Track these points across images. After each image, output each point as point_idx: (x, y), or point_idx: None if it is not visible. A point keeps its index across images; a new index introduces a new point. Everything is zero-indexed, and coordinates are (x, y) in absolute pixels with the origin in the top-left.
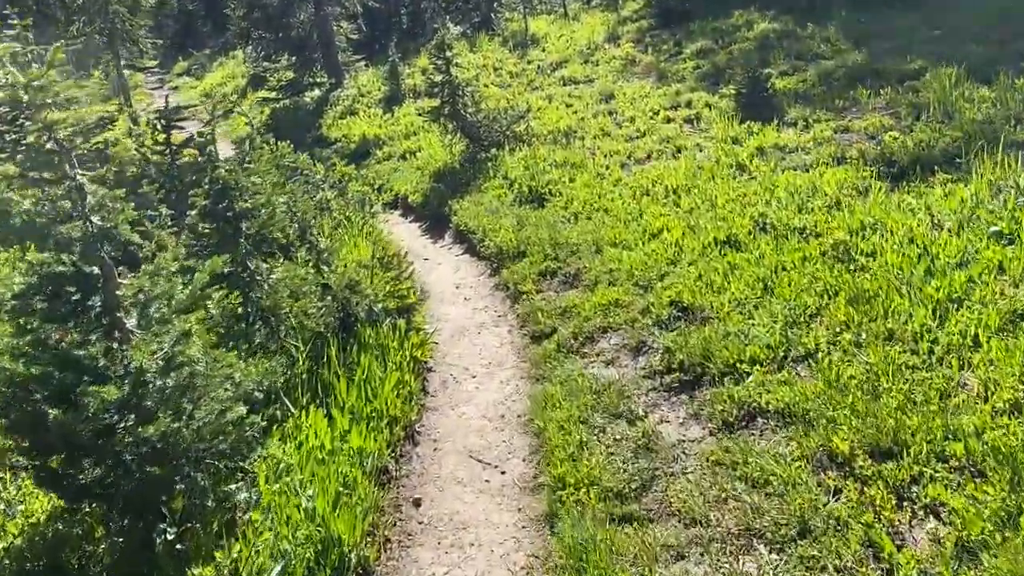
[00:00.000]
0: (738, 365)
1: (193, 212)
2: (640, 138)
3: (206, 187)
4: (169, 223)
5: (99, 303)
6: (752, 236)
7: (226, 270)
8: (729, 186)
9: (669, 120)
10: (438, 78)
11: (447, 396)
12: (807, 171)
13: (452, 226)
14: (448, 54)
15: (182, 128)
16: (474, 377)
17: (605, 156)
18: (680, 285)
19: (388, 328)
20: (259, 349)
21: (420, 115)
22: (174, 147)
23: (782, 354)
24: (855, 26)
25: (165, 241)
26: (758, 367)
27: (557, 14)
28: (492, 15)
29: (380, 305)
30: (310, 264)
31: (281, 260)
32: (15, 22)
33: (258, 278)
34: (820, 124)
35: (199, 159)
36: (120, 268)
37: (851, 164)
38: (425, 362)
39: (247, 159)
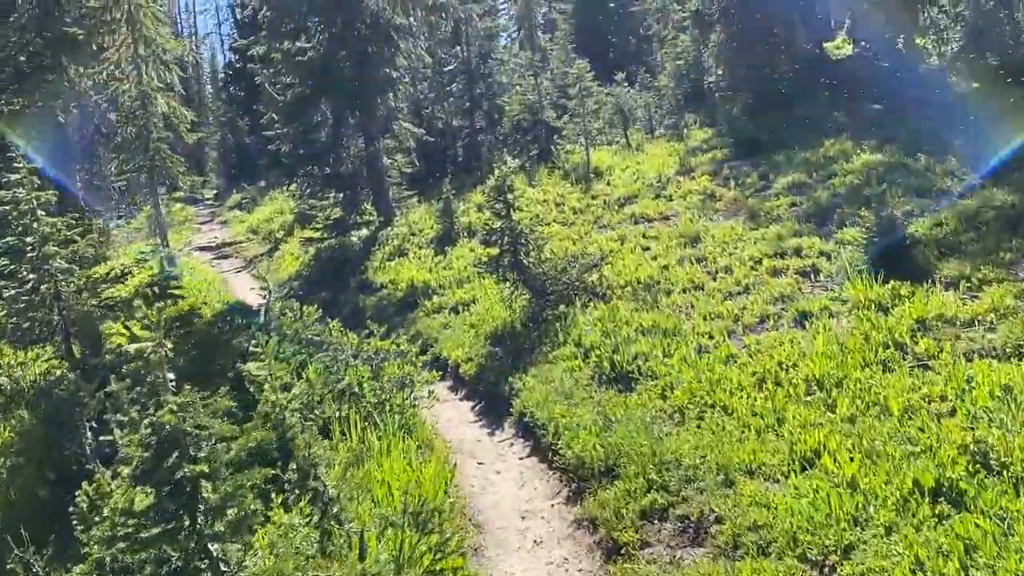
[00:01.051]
0: None
1: (125, 471)
2: (743, 294)
3: (146, 433)
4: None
5: None
6: (974, 479)
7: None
8: (899, 380)
9: (777, 272)
10: (496, 224)
11: None
12: (1008, 359)
13: (513, 412)
14: (508, 197)
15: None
16: None
17: (704, 319)
18: None
19: None
20: None
21: (476, 267)
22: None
23: None
24: (978, 155)
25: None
26: None
27: (619, 145)
28: (551, 147)
29: None
30: (312, 521)
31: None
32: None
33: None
34: (992, 287)
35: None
36: None
37: None
38: None
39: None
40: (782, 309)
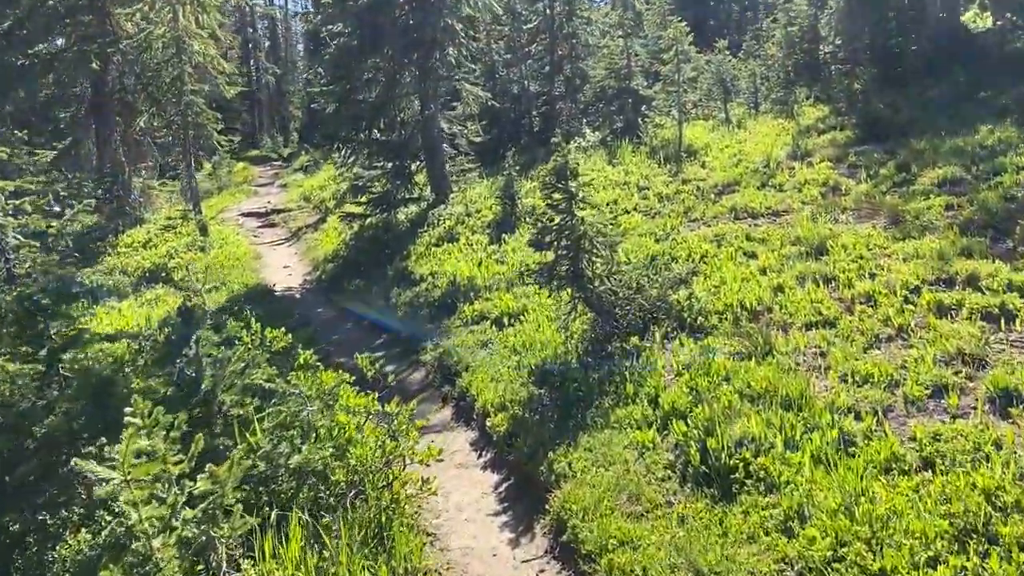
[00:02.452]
0: None
1: None
2: (898, 341)
3: None
4: None
5: None
6: None
7: None
8: None
9: (945, 310)
10: (553, 220)
11: None
12: None
13: (551, 510)
14: (572, 185)
15: None
16: None
17: (844, 381)
18: None
19: None
20: None
21: (526, 273)
22: None
23: None
24: None
25: None
26: None
27: (717, 120)
28: (639, 119)
29: None
30: None
31: None
32: None
33: None
34: None
35: None
36: None
37: None
38: None
39: None
40: (967, 377)
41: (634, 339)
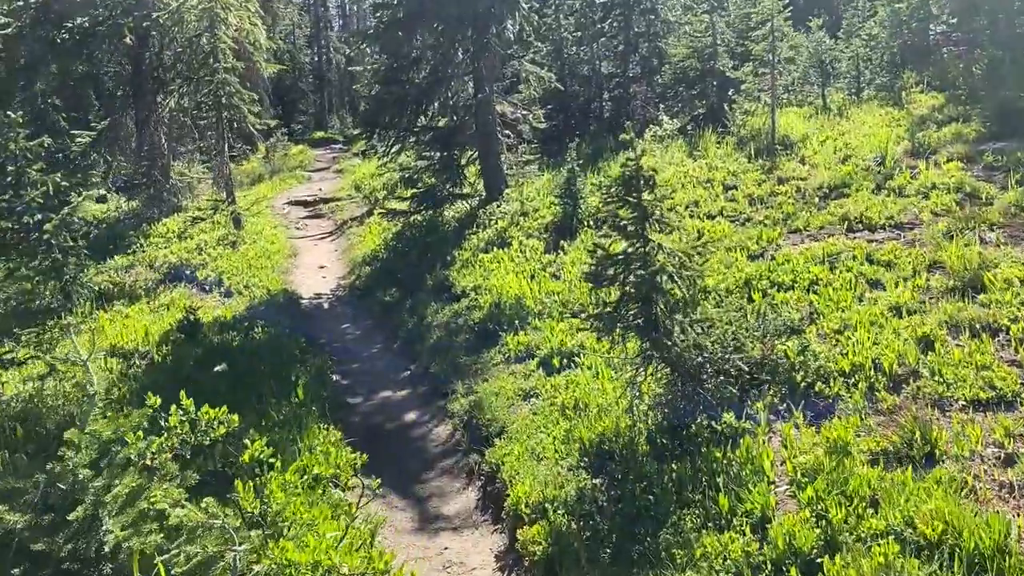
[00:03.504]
0: None
1: None
2: None
3: None
4: None
5: None
6: None
7: None
8: None
9: None
10: (618, 245)
11: None
12: None
13: None
14: (646, 198)
15: None
16: None
17: None
18: None
19: None
20: None
21: (579, 317)
22: None
23: None
24: None
25: None
26: None
27: (813, 107)
28: (724, 105)
29: None
30: None
31: None
32: None
33: None
34: None
35: None
36: None
37: None
38: None
39: None
40: None
41: (728, 416)
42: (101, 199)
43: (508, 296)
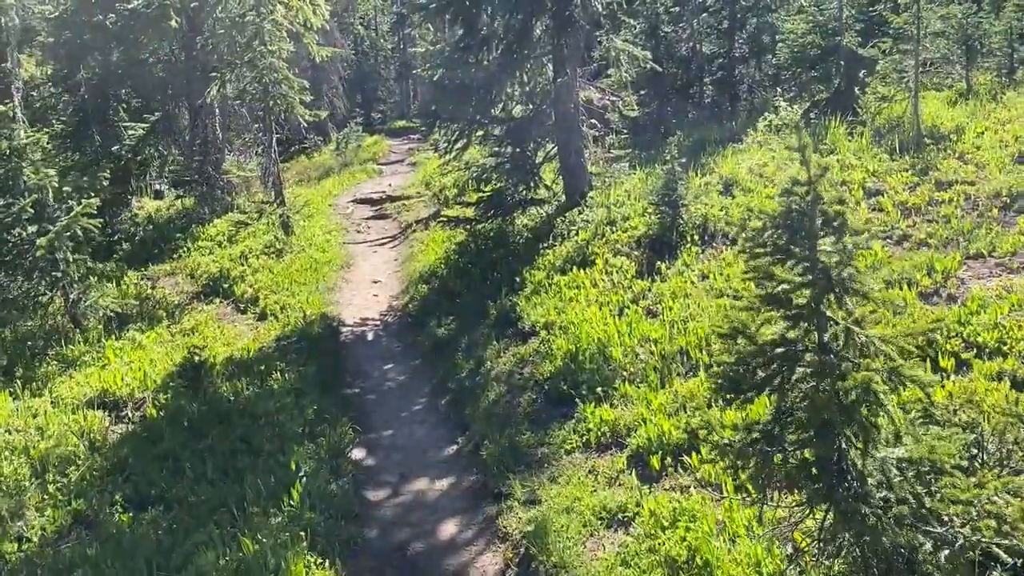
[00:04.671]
0: None
1: None
2: None
3: None
4: None
5: None
6: None
7: None
8: None
9: None
10: (771, 328)
11: None
12: None
13: None
14: (828, 250)
15: None
16: None
17: None
18: None
19: None
20: None
21: (706, 432)
22: None
23: None
24: None
25: None
26: None
27: (954, 91)
28: (853, 90)
29: None
30: None
31: None
32: None
33: None
34: None
35: None
36: None
37: None
38: None
39: None
40: None
41: None
42: (158, 195)
43: (589, 340)
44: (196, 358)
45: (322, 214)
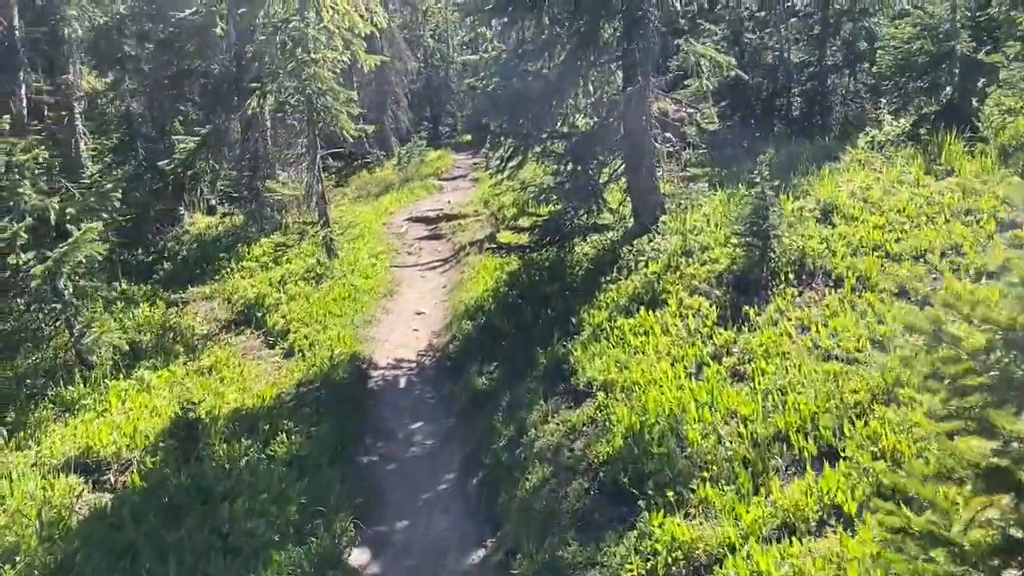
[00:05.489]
0: None
1: None
2: None
3: None
4: None
5: None
6: None
7: None
8: None
9: None
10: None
11: None
12: None
13: None
14: None
15: None
16: None
17: None
18: None
19: None
20: None
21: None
22: None
23: None
24: None
25: None
26: None
27: None
28: (971, 99)
29: None
30: None
31: None
32: None
33: None
34: None
35: None
36: None
37: None
38: None
39: None
40: None
41: None
42: (211, 210)
43: (658, 410)
44: (190, 414)
45: (373, 234)
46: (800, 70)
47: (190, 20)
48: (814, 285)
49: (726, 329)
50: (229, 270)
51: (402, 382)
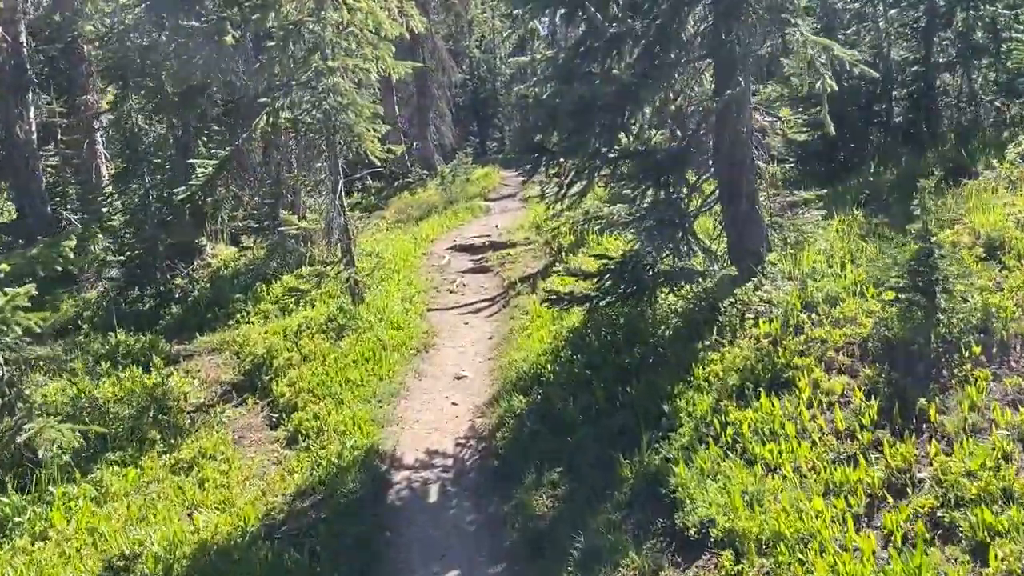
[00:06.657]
0: None
1: None
2: None
3: None
4: None
5: None
6: None
7: None
8: None
9: None
10: None
11: None
12: None
13: None
14: None
15: None
16: None
17: None
18: None
19: None
20: None
21: None
22: None
23: None
24: None
25: None
26: None
27: None
28: None
29: None
30: None
31: None
32: None
33: None
34: None
35: None
36: None
37: None
38: None
39: None
40: None
41: None
42: (235, 240)
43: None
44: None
45: (410, 266)
46: (902, 69)
47: (198, 28)
48: (1013, 363)
49: (899, 439)
50: (244, 313)
51: (433, 493)
